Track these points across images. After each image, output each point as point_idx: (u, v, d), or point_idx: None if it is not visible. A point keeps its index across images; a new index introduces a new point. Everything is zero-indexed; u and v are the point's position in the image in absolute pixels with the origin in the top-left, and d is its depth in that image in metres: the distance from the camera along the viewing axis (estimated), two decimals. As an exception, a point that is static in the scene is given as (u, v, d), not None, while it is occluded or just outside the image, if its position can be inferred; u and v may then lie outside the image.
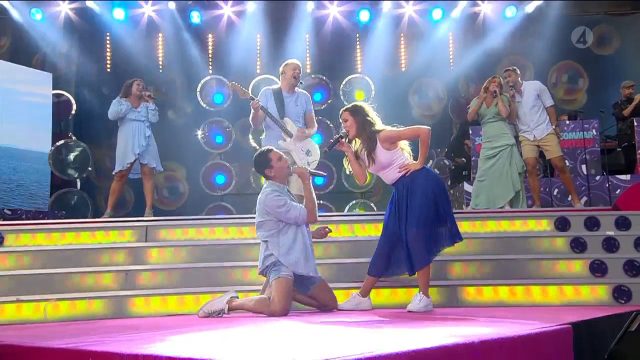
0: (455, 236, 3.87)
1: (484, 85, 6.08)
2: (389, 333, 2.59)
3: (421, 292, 3.80)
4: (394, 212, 3.93)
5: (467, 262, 4.61)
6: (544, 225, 4.96)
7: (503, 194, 5.88)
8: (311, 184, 4.02)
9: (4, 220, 6.18)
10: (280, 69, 5.11)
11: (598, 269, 4.44)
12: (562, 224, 4.87)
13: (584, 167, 6.89)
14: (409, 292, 4.16)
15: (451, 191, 7.79)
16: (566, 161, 6.96)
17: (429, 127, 3.97)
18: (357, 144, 4.03)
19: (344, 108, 4.05)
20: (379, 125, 3.95)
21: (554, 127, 5.97)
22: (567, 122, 7.30)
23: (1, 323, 4.04)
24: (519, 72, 6.07)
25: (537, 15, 9.14)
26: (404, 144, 4.01)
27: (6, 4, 8.44)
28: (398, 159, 3.93)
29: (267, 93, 5.04)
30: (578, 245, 4.67)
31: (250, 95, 4.75)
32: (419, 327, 2.79)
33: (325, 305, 4.00)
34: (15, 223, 5.08)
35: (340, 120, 4.03)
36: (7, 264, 4.53)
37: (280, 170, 3.96)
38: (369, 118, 3.93)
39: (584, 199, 6.60)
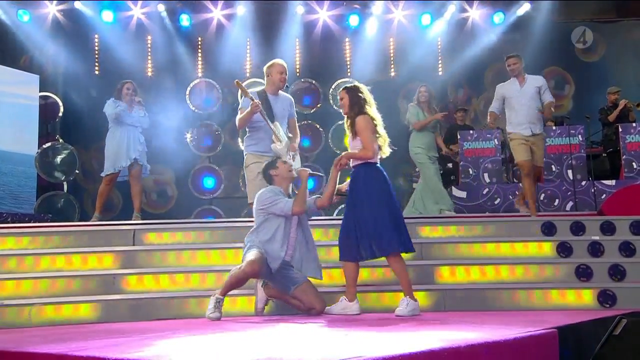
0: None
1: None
2: (375, 337, 2.60)
3: (407, 297, 3.82)
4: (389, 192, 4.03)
5: (455, 266, 4.64)
6: (530, 230, 5.01)
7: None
8: (306, 185, 4.25)
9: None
10: (265, 69, 4.86)
11: (583, 274, 4.49)
12: (548, 229, 4.92)
13: (570, 172, 6.97)
14: (396, 296, 4.17)
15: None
16: (552, 166, 7.11)
17: (374, 157, 4.05)
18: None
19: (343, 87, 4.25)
20: (365, 109, 4.08)
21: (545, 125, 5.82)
22: (554, 127, 7.39)
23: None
24: (522, 59, 5.81)
25: (525, 21, 9.24)
26: (381, 140, 4.11)
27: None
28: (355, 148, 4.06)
29: (253, 96, 4.75)
30: (564, 250, 4.72)
31: (251, 96, 4.60)
32: (405, 331, 2.81)
33: (311, 308, 4.01)
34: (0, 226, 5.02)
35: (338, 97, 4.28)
36: (6, 266, 4.48)
37: (283, 172, 4.25)
38: (361, 95, 4.10)
39: (570, 203, 6.68)
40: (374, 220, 3.86)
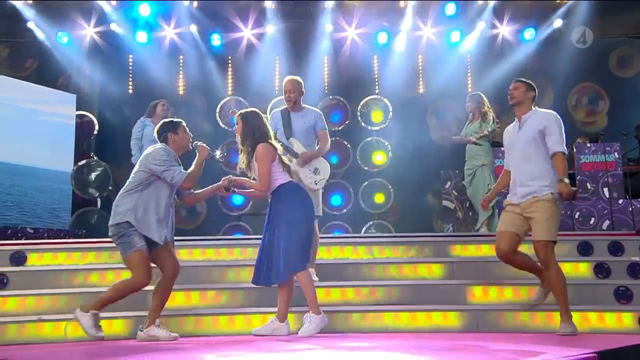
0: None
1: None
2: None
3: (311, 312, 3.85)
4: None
5: (487, 285, 4.55)
6: (566, 249, 4.88)
7: (479, 216, 6.05)
8: (203, 162, 4.10)
9: (26, 239, 6.29)
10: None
11: (623, 296, 4.35)
12: (584, 249, 4.79)
13: (606, 190, 6.79)
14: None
15: (470, 213, 7.72)
16: (588, 184, 6.89)
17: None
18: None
19: None
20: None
21: (556, 189, 3.81)
22: (589, 144, 7.23)
23: (22, 342, 4.07)
24: (529, 88, 4.09)
25: (557, 37, 9.13)
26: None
27: (34, 28, 8.69)
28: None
29: (275, 116, 4.85)
30: (602, 271, 4.58)
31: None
32: (442, 354, 2.75)
33: (162, 271, 3.94)
34: (37, 242, 5.15)
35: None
36: (28, 284, 4.59)
37: (181, 141, 4.07)
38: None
39: (607, 222, 6.50)
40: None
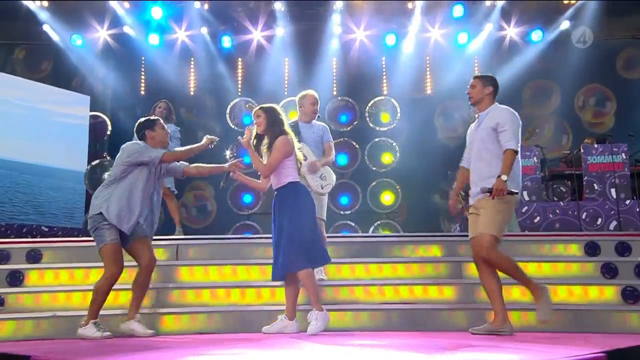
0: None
1: None
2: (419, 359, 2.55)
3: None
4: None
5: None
6: (573, 249, 4.85)
7: None
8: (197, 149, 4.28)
9: (41, 237, 6.34)
10: (298, 100, 4.91)
11: (630, 296, 4.31)
12: (591, 249, 4.76)
13: (613, 191, 6.73)
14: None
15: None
16: (595, 185, 6.84)
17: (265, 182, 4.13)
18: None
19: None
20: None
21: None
22: (596, 145, 7.17)
23: (36, 337, 4.11)
24: (486, 83, 4.04)
25: (564, 39, 9.06)
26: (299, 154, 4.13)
27: (49, 31, 8.77)
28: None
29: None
30: (609, 271, 4.55)
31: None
32: (450, 353, 2.74)
33: (138, 264, 4.04)
34: (52, 240, 5.19)
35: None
36: (45, 281, 4.63)
37: (159, 137, 4.19)
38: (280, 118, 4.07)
39: (614, 223, 6.44)
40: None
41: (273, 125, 4.02)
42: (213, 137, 4.36)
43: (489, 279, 3.80)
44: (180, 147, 6.16)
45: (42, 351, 2.87)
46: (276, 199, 4.05)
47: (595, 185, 6.87)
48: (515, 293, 4.46)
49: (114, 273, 3.91)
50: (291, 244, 3.85)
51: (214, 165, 4.40)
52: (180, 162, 4.31)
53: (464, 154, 4.14)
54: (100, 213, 3.91)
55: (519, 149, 3.78)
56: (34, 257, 4.87)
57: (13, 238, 6.10)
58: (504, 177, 3.66)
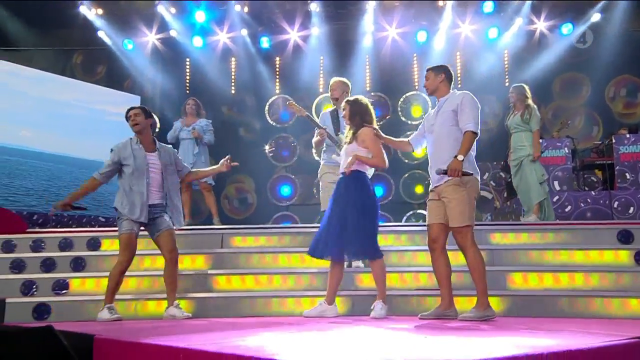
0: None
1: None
2: (455, 342, 2.53)
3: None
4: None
5: (527, 272, 4.43)
6: (606, 238, 4.69)
7: (529, 205, 5.80)
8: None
9: (99, 226, 6.56)
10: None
11: (664, 283, 4.14)
12: (625, 237, 4.59)
13: (645, 180, 6.47)
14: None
15: (507, 203, 7.52)
16: (627, 174, 6.57)
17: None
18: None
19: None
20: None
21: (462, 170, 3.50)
22: (628, 135, 6.90)
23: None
24: (438, 72, 3.89)
25: (594, 31, 8.73)
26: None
27: (104, 37, 9.02)
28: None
29: (324, 117, 5.01)
30: (643, 258, 4.38)
31: (318, 123, 4.85)
32: (482, 337, 2.71)
33: (162, 254, 4.17)
34: (109, 230, 5.36)
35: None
36: (103, 266, 4.79)
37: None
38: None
39: (646, 211, 6.20)
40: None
41: (355, 115, 4.06)
42: (233, 163, 4.40)
43: (444, 266, 3.74)
44: (212, 138, 6.31)
45: (104, 330, 2.98)
46: (343, 184, 3.99)
47: (627, 174, 6.62)
48: (548, 280, 4.36)
49: (122, 261, 4.05)
50: (367, 231, 3.84)
51: (209, 168, 4.81)
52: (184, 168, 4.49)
53: (414, 135, 4.07)
54: (115, 207, 4.18)
55: (479, 132, 3.64)
56: (93, 244, 5.05)
57: (75, 227, 6.35)
58: (460, 157, 3.51)
